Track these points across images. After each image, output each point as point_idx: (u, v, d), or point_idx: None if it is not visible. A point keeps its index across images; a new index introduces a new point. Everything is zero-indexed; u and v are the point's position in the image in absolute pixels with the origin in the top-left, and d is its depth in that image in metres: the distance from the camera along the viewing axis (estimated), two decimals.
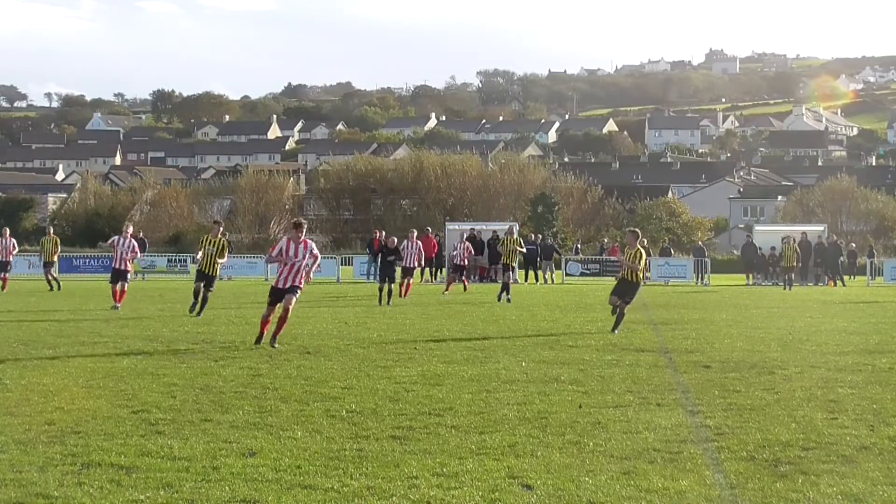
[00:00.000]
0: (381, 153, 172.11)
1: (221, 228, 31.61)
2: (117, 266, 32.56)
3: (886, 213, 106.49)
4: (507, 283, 37.59)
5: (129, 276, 32.99)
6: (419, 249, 40.86)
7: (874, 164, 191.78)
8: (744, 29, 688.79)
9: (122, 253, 32.49)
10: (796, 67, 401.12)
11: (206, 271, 29.88)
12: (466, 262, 48.57)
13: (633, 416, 13.14)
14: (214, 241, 30.07)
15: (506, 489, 9.61)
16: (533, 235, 64.71)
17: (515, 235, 40.23)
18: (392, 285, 36.24)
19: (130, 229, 33.96)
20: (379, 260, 38.32)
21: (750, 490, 9.62)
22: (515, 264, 39.56)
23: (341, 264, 62.13)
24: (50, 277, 43.42)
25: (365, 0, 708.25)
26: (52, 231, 47.51)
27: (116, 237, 33.85)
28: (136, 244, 33.19)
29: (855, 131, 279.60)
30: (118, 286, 32.15)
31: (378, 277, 37.58)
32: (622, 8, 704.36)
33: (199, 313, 29.10)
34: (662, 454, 10.96)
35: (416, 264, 40.89)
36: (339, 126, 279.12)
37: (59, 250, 46.93)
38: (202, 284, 29.87)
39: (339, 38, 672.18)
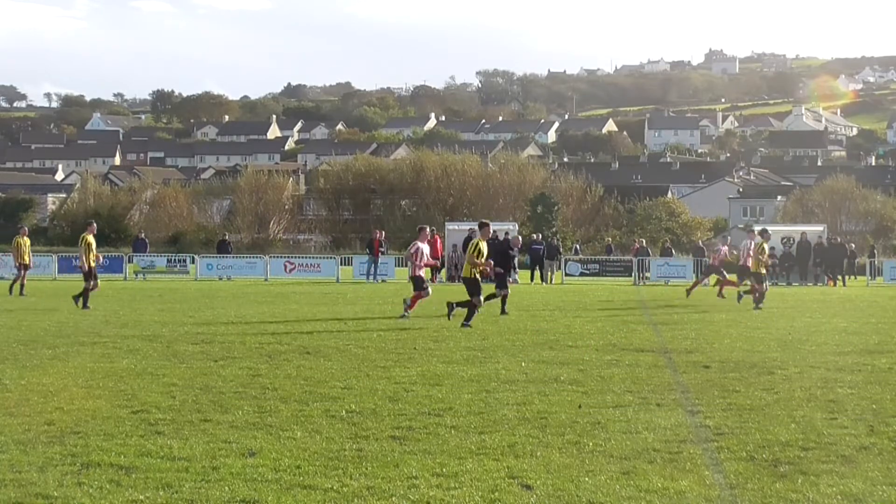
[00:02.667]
0: (381, 153, 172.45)
1: None
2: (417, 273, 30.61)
3: (885, 213, 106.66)
4: (763, 292, 34.57)
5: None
6: None
7: (874, 164, 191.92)
8: (743, 29, 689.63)
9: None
10: (796, 67, 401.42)
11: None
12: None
13: (633, 416, 13.15)
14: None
15: (505, 489, 9.62)
16: (537, 236, 64.76)
17: (766, 245, 35.64)
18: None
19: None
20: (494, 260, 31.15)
21: (749, 490, 9.63)
22: (764, 271, 35.24)
23: (341, 264, 62.08)
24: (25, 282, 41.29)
25: None
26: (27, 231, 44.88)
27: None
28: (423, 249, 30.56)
29: (854, 131, 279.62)
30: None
31: (499, 284, 31.41)
32: (622, 8, 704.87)
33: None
34: (662, 454, 10.96)
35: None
36: (339, 126, 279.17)
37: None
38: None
39: (338, 37, 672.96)
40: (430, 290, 30.13)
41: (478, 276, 26.99)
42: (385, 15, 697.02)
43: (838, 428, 12.38)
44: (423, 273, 30.44)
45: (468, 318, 26.16)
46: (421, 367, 17.86)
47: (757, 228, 39.19)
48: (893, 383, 16.11)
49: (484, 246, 26.94)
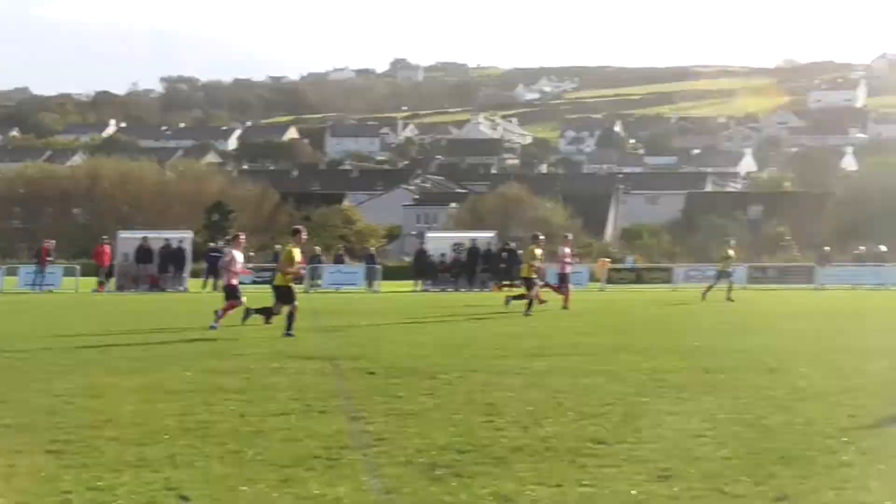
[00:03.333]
0: (57, 160, 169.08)
1: None
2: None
3: (553, 219, 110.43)
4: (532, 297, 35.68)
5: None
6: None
7: (545, 171, 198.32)
8: (428, 38, 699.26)
9: None
10: (477, 77, 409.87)
11: None
12: None
13: (296, 423, 13.16)
14: None
15: (162, 501, 9.50)
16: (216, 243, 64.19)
17: (537, 250, 36.26)
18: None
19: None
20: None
21: (405, 494, 9.74)
22: (535, 276, 35.98)
23: (5, 275, 60.46)
24: None
25: (51, 1, 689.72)
26: None
27: None
28: None
29: (529, 140, 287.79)
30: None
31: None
32: (305, 14, 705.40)
33: None
34: (322, 461, 11.00)
35: None
36: (13, 132, 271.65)
37: None
38: None
39: (19, 39, 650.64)
40: (243, 299, 28.90)
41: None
42: (72, 17, 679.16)
43: (494, 430, 12.65)
44: (237, 282, 29.15)
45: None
46: (84, 378, 17.45)
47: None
48: (549, 385, 16.59)
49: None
